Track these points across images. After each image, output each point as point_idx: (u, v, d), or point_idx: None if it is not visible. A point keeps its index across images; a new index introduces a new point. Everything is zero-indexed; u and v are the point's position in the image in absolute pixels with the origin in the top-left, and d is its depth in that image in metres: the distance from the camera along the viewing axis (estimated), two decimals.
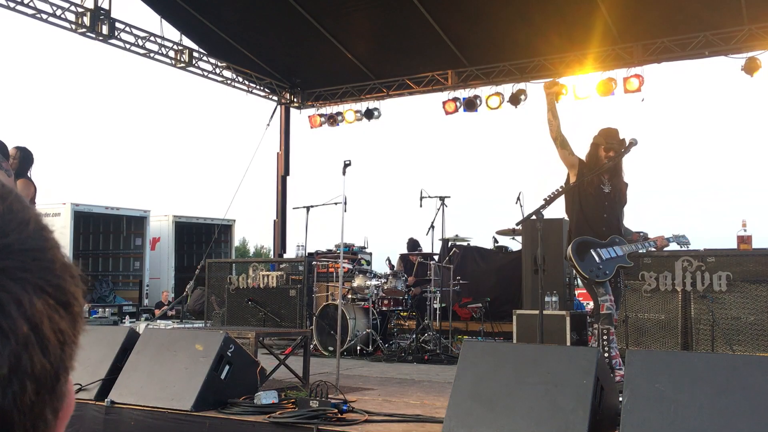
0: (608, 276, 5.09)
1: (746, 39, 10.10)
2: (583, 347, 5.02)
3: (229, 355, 4.87)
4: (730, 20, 10.02)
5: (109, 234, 17.73)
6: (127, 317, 14.03)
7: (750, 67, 10.05)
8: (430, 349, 8.68)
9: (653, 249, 5.80)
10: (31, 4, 9.76)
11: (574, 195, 5.29)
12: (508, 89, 12.00)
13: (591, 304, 11.83)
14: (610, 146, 5.18)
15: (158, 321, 12.56)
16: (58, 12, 10.06)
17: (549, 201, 4.90)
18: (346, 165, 5.91)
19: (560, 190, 4.96)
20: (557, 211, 7.36)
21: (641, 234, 5.37)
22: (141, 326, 11.67)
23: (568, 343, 7.69)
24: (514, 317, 8.28)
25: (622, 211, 5.37)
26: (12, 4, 9.58)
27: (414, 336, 8.86)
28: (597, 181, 5.22)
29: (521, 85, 11.91)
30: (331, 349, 8.94)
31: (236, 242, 22.40)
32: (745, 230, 7.52)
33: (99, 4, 10.36)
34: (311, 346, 7.70)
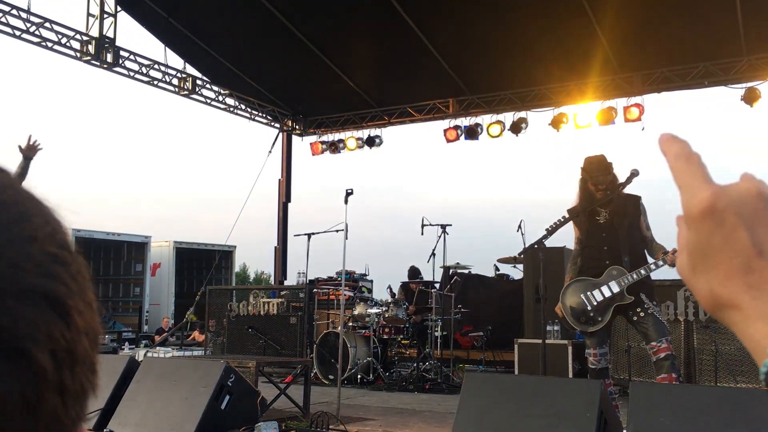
0: (601, 323, 4.75)
1: (746, 69, 10.18)
2: (587, 380, 4.97)
3: (230, 384, 4.84)
4: (729, 51, 10.11)
5: (109, 259, 17.73)
6: (127, 343, 13.97)
7: (750, 97, 10.12)
8: (431, 378, 8.63)
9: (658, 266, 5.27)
10: (36, 32, 9.86)
11: (577, 233, 5.08)
12: (509, 117, 12.08)
13: None
14: (596, 180, 4.91)
15: (157, 348, 12.50)
16: (63, 40, 10.16)
17: (551, 231, 4.90)
18: (348, 194, 5.93)
19: (563, 219, 4.95)
20: (559, 239, 7.37)
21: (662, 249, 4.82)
22: (140, 353, 11.62)
23: (570, 373, 7.64)
24: (516, 346, 8.24)
25: (631, 234, 4.87)
26: (18, 32, 9.69)
27: (415, 364, 8.81)
28: (592, 213, 4.98)
29: (522, 114, 11.98)
30: (331, 377, 8.88)
31: (236, 268, 22.37)
32: None
33: (104, 33, 10.47)
34: (311, 374, 7.65)
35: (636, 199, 4.99)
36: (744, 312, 0.53)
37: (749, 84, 10.20)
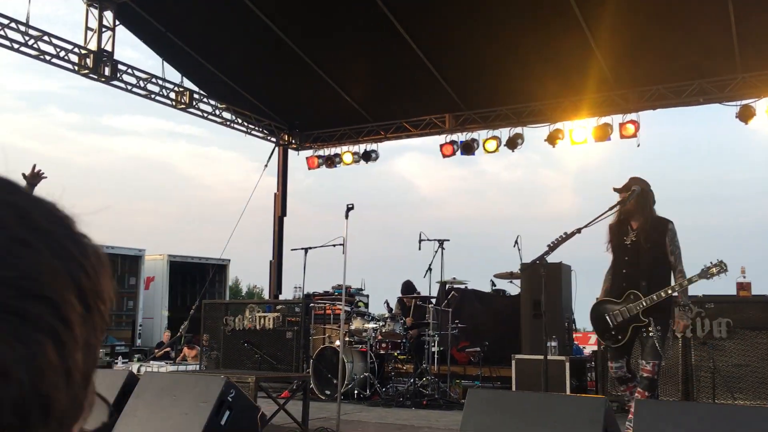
0: (621, 341, 5.02)
1: (740, 87, 10.28)
2: (591, 396, 4.98)
3: (230, 400, 4.81)
4: (724, 69, 10.21)
5: None
6: (120, 358, 13.87)
7: (744, 115, 10.21)
8: (428, 393, 8.60)
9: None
10: (35, 45, 9.87)
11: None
12: (505, 133, 12.14)
13: (588, 349, 11.75)
14: (619, 194, 5.15)
15: (151, 362, 12.42)
16: (62, 54, 10.17)
17: (553, 247, 4.92)
18: (349, 209, 5.94)
19: (564, 236, 4.97)
20: (557, 255, 7.37)
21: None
22: (134, 367, 11.53)
23: (568, 389, 7.64)
24: (513, 362, 8.24)
25: (653, 258, 4.97)
26: (16, 45, 9.69)
27: (412, 380, 8.78)
28: (621, 232, 5.13)
29: (518, 129, 12.04)
30: (327, 392, 8.84)
31: (230, 282, 22.29)
32: (744, 277, 7.54)
33: (102, 46, 10.49)
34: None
35: (664, 223, 5.08)
36: None
37: (744, 101, 10.29)
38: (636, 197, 5.02)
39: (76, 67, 10.36)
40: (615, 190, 5.16)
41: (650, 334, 4.85)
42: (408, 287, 10.68)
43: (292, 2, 10.76)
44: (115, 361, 13.29)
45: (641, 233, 5.03)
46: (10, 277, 0.48)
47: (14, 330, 0.46)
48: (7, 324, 0.47)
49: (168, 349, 13.89)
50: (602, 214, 5.05)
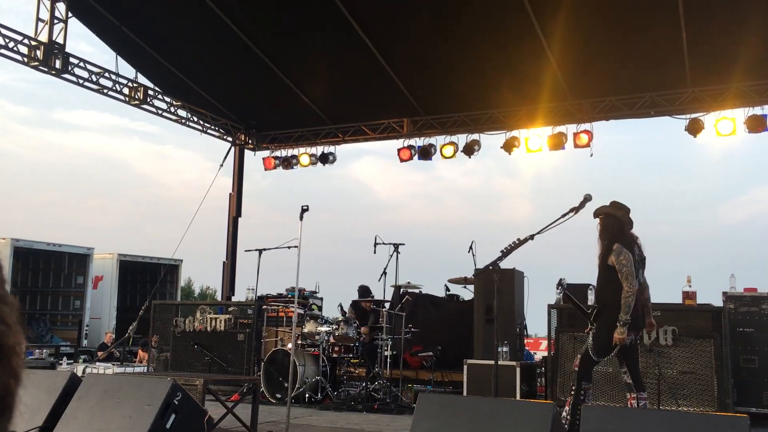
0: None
1: (690, 101, 10.55)
2: (540, 402, 5.02)
3: (176, 403, 4.71)
4: (674, 82, 10.47)
5: (49, 271, 17.12)
6: (65, 358, 13.49)
7: (693, 128, 10.47)
8: (380, 397, 8.57)
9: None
10: None
11: None
12: (462, 139, 12.21)
13: (539, 355, 11.93)
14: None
15: (97, 363, 12.11)
16: (11, 45, 9.87)
17: (506, 253, 4.96)
18: (304, 210, 5.88)
19: (517, 242, 5.02)
20: (510, 261, 7.43)
21: None
22: (79, 368, 11.23)
23: (518, 395, 7.70)
24: (465, 367, 8.27)
25: (604, 276, 5.45)
26: None
27: (364, 384, 8.74)
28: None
29: (475, 136, 12.13)
30: (278, 396, 8.74)
31: (182, 282, 21.90)
32: (690, 286, 7.72)
33: (53, 39, 10.20)
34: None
35: (608, 244, 5.40)
36: None
37: (693, 115, 10.55)
38: (601, 223, 5.45)
39: (26, 59, 10.06)
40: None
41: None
42: (364, 291, 10.66)
43: (252, 0, 10.66)
44: (60, 362, 12.93)
45: (600, 250, 5.47)
46: None
47: None
48: None
49: (112, 350, 13.56)
50: (554, 222, 5.11)
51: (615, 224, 5.39)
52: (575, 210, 5.10)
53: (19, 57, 10.02)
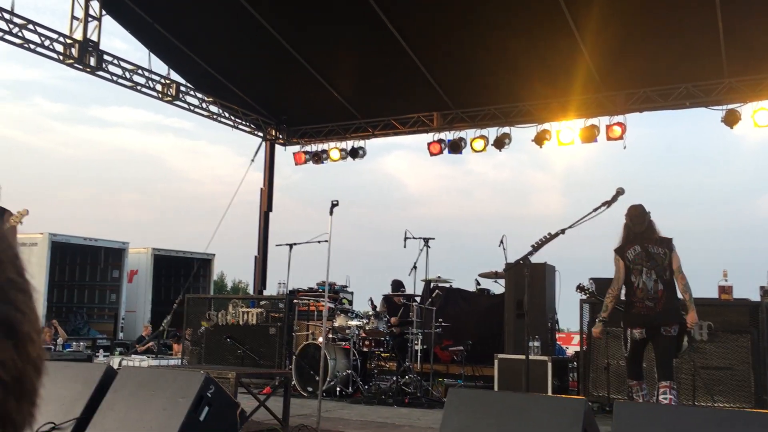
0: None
1: (726, 91, 10.33)
2: (571, 397, 4.97)
3: (209, 396, 4.76)
4: (711, 73, 10.26)
5: (86, 265, 17.46)
6: (101, 351, 13.75)
7: (730, 120, 10.25)
8: (411, 391, 8.58)
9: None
10: (19, 33, 9.74)
11: None
12: (492, 132, 12.14)
13: (571, 349, 11.82)
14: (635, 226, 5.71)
15: (132, 356, 12.33)
16: (47, 42, 10.05)
17: (536, 247, 4.92)
18: (334, 205, 5.90)
19: (548, 237, 4.97)
20: (541, 255, 7.37)
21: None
22: (115, 360, 11.45)
23: (550, 389, 7.65)
24: (496, 361, 8.24)
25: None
26: (0, 33, 9.56)
27: (394, 378, 8.76)
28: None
29: (505, 129, 12.04)
30: (309, 389, 8.80)
31: (214, 277, 22.16)
32: (726, 280, 7.58)
33: (88, 36, 10.37)
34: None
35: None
36: None
37: (729, 106, 10.34)
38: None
39: (61, 57, 10.24)
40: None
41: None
42: (397, 285, 10.65)
43: None
44: (96, 354, 13.18)
45: None
46: None
47: None
48: None
49: (151, 344, 13.79)
50: (586, 216, 5.05)
51: (623, 232, 5.68)
52: (608, 204, 5.04)
53: (54, 55, 10.21)
